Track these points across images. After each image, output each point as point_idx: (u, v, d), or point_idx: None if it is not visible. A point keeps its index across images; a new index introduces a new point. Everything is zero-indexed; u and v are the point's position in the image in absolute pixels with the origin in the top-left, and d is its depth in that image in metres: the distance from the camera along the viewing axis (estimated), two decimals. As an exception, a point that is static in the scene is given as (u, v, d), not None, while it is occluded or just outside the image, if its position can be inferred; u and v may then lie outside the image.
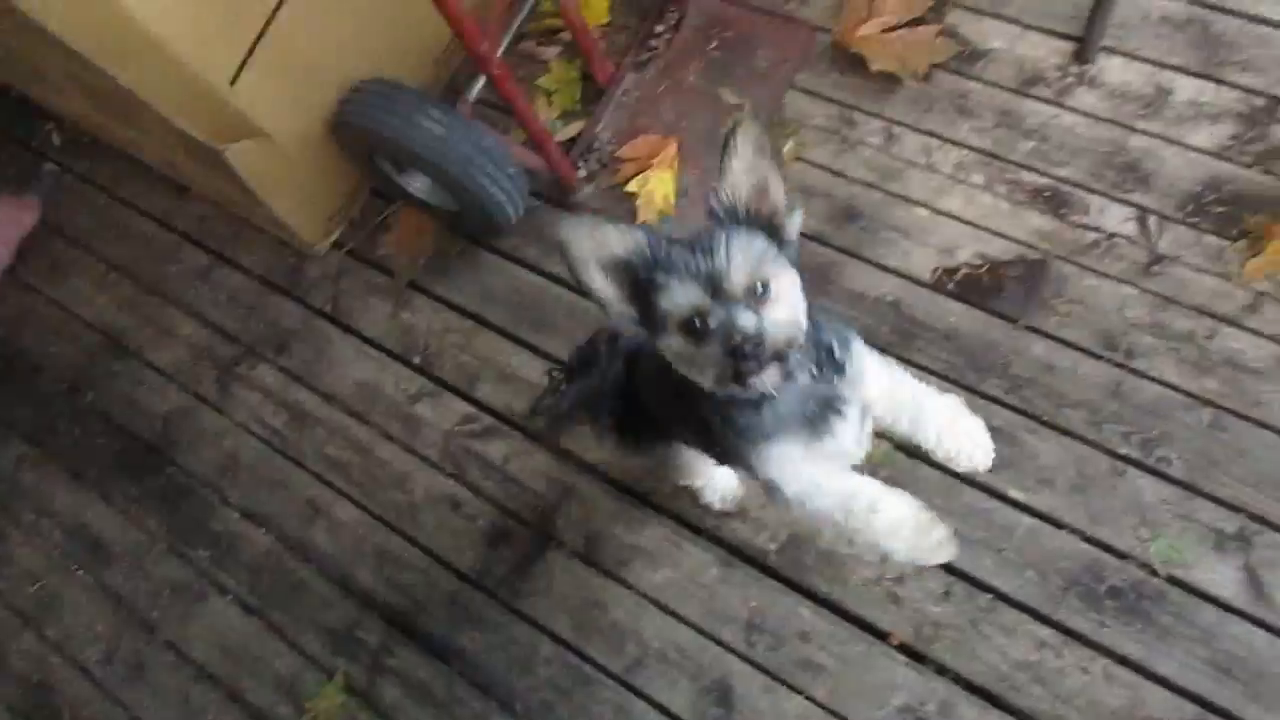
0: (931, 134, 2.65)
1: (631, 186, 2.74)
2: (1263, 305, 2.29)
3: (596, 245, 1.39)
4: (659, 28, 2.95)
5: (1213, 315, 2.31)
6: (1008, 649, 2.13)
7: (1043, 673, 2.10)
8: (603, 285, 1.41)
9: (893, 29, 2.75)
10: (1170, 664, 2.06)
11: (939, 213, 2.56)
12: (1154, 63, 2.58)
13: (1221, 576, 2.10)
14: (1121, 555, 2.15)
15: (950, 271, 2.48)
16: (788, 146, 2.69)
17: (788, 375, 1.40)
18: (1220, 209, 2.39)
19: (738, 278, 1.35)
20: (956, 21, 2.74)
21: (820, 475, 1.56)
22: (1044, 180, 2.52)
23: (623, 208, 2.75)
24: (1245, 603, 2.08)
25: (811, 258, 2.58)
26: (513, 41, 2.94)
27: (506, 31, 2.76)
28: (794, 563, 2.31)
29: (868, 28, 2.76)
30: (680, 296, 1.36)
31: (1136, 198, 2.45)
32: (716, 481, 2.28)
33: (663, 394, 1.70)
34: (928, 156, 2.62)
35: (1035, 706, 2.08)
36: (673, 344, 1.41)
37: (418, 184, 2.77)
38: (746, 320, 1.33)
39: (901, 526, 1.54)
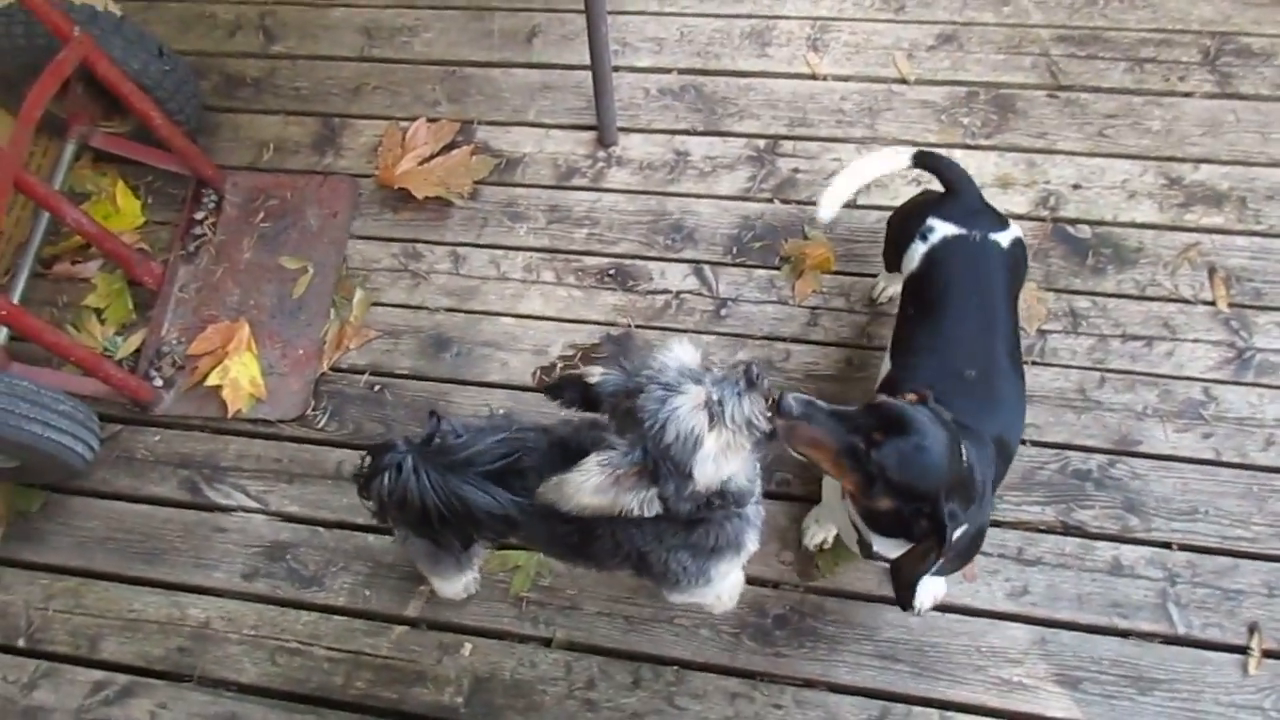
0: (494, 246, 2.71)
1: (213, 380, 2.58)
2: (819, 318, 2.51)
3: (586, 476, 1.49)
4: (199, 214, 2.83)
5: (782, 339, 2.50)
6: (705, 713, 2.15)
7: (742, 723, 2.14)
8: (609, 498, 1.50)
9: (429, 159, 2.81)
10: (845, 670, 2.16)
11: (523, 317, 2.62)
12: (666, 131, 2.80)
13: (863, 573, 2.23)
14: (775, 585, 2.25)
15: (547, 370, 2.53)
16: (358, 296, 2.65)
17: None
18: (759, 244, 2.62)
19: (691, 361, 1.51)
20: (486, 138, 2.85)
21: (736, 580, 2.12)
22: (605, 260, 2.65)
23: (213, 404, 2.59)
24: (889, 589, 2.22)
25: (418, 396, 2.54)
26: (44, 267, 2.75)
27: (20, 268, 2.55)
28: (486, 707, 2.21)
29: (405, 163, 2.80)
30: (687, 400, 1.46)
31: (688, 254, 2.63)
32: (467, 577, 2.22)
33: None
34: (497, 268, 2.68)
35: (745, 759, 2.11)
36: (710, 451, 1.48)
37: (-41, 452, 2.45)
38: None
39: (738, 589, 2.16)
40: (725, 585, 2.07)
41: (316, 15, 3.12)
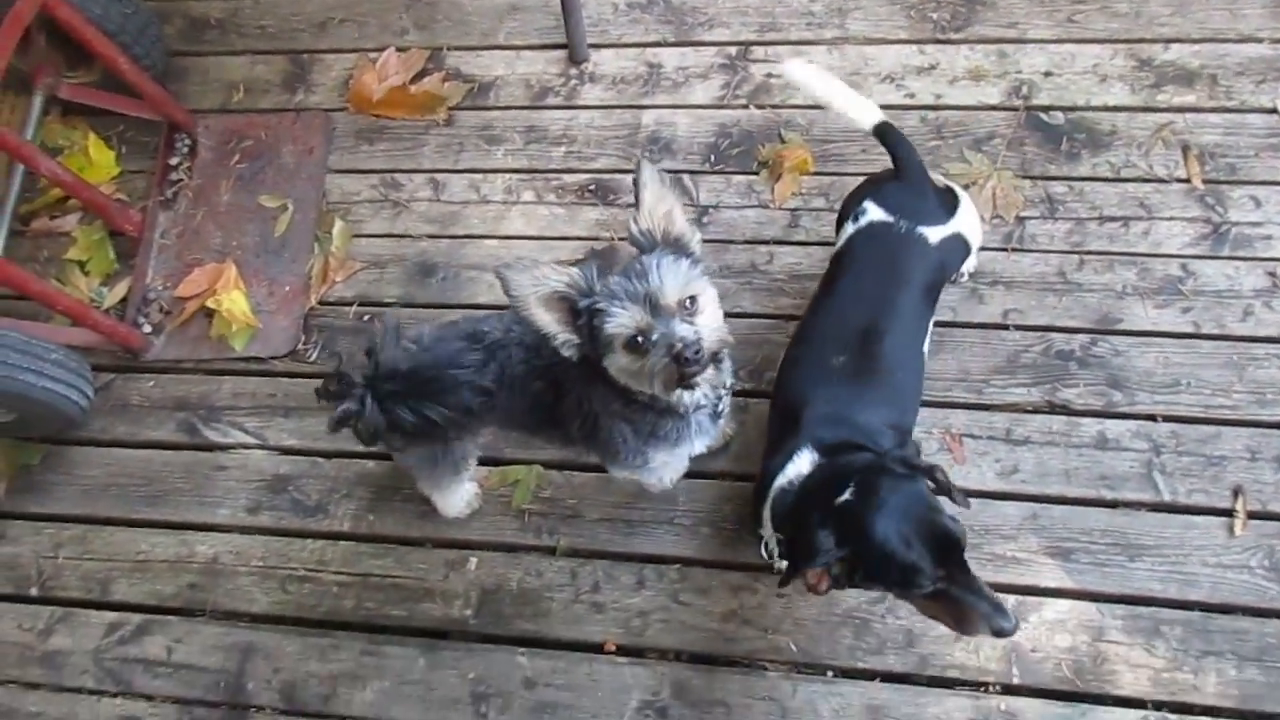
0: (472, 170, 2.71)
1: (209, 304, 2.60)
2: (800, 219, 2.53)
3: (535, 284, 1.56)
4: (174, 160, 2.82)
5: (765, 242, 2.52)
6: (710, 607, 2.20)
7: (747, 614, 2.19)
8: (545, 319, 1.59)
9: (401, 87, 2.79)
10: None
11: (506, 238, 2.63)
12: (637, 44, 2.79)
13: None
14: (770, 479, 2.29)
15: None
16: (339, 229, 2.66)
17: (719, 369, 1.62)
18: (736, 150, 2.62)
19: (671, 296, 1.54)
20: (456, 63, 2.83)
21: (677, 467, 2.09)
22: (584, 177, 2.66)
23: (205, 347, 2.60)
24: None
25: (407, 323, 2.54)
26: (22, 224, 2.74)
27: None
28: (495, 617, 2.26)
29: (378, 93, 2.79)
30: (625, 319, 1.53)
31: (667, 164, 2.63)
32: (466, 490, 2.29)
33: (551, 397, 1.85)
34: (477, 192, 2.69)
35: (752, 648, 2.16)
36: (620, 361, 1.59)
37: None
38: (685, 330, 1.53)
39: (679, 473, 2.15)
40: (665, 471, 2.10)
41: (276, -48, 3.09)
